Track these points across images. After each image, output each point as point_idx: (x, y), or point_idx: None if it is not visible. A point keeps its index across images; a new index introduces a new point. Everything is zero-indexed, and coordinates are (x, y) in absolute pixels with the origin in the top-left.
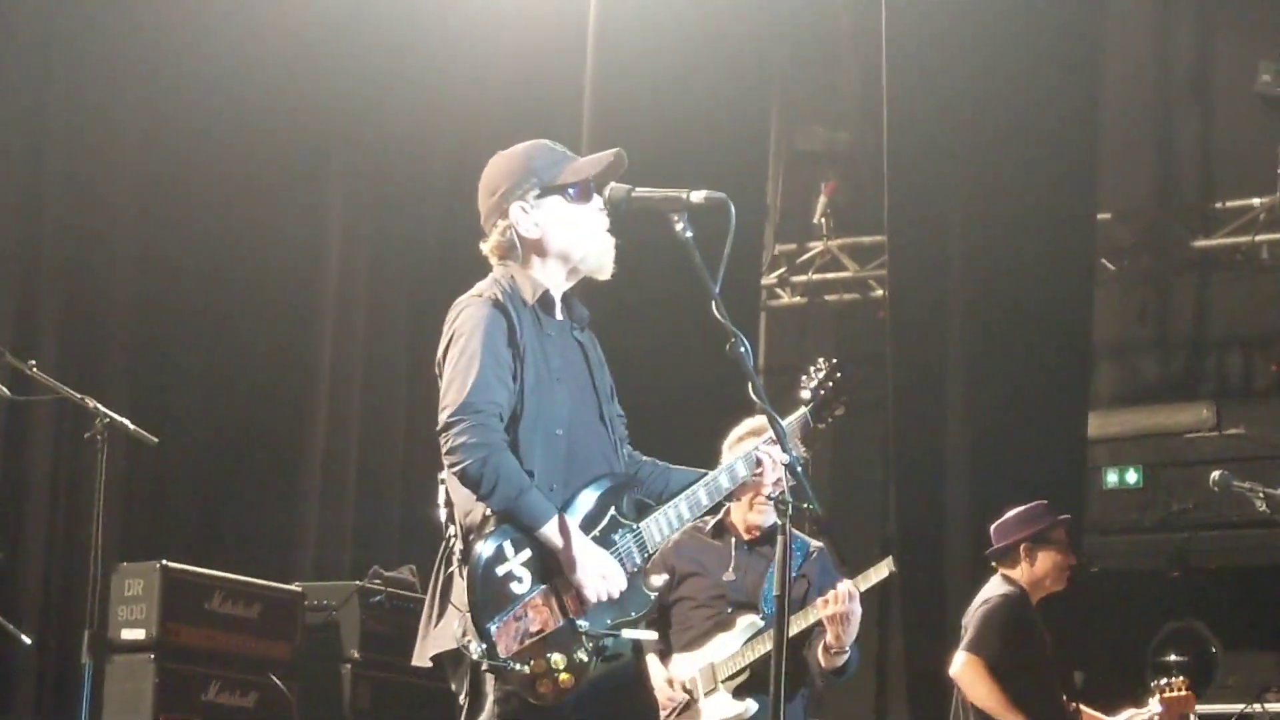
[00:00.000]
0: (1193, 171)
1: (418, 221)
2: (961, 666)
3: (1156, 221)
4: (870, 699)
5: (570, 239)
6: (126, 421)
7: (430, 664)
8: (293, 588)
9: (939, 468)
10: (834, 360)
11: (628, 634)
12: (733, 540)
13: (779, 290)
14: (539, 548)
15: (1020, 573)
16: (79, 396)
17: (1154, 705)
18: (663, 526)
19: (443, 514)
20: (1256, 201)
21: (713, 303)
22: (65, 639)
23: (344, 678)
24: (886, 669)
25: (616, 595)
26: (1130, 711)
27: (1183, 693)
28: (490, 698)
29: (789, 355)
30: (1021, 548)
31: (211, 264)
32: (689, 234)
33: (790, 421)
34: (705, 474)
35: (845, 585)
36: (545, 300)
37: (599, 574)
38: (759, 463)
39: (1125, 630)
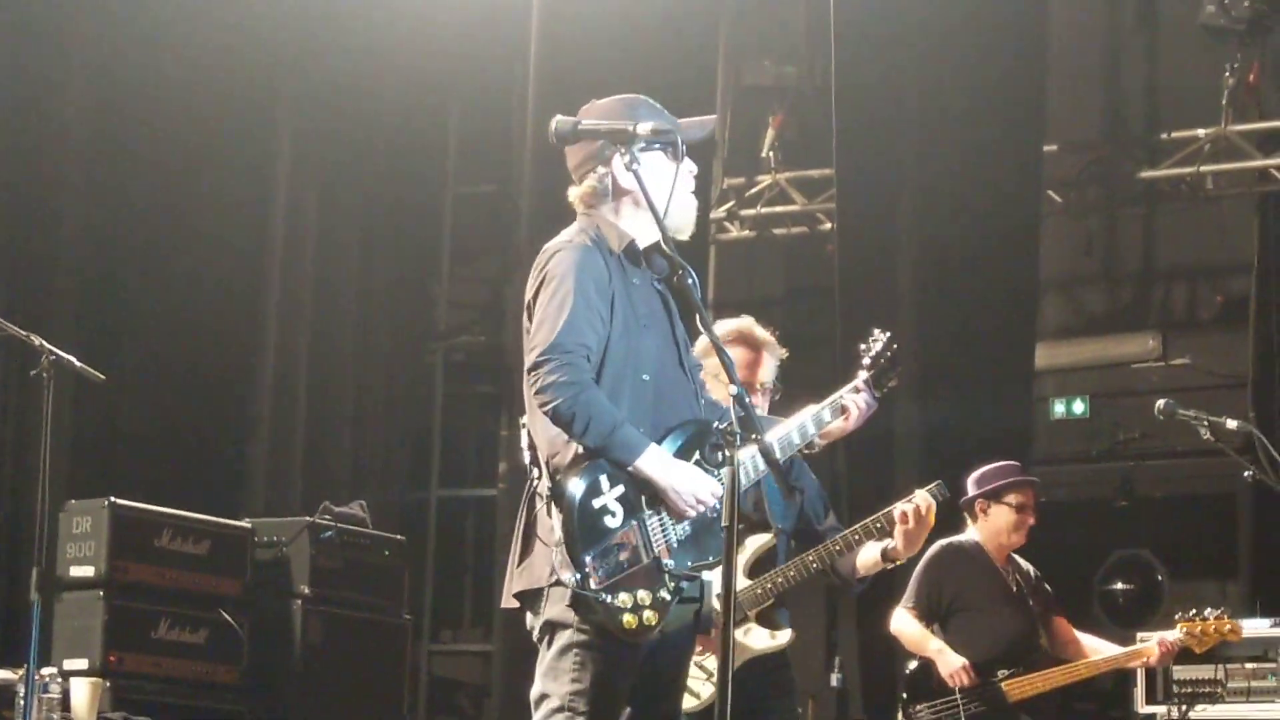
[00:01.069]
0: (1138, 103)
1: (367, 158)
2: (893, 619)
3: (1103, 154)
4: (822, 650)
5: (661, 195)
6: (73, 359)
7: (516, 604)
8: (242, 524)
9: (887, 401)
10: (889, 333)
11: (707, 576)
12: None
13: (727, 224)
14: (632, 482)
15: (976, 526)
16: (24, 334)
17: (1180, 633)
18: (744, 475)
19: (526, 457)
20: (1201, 132)
21: (660, 236)
22: (14, 576)
23: (294, 613)
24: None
25: (712, 505)
26: (1156, 635)
27: (1210, 622)
28: (570, 629)
29: (738, 289)
30: (977, 503)
31: (160, 202)
32: (636, 166)
33: (851, 388)
34: (776, 420)
35: (924, 498)
36: (631, 250)
37: (693, 492)
38: (844, 410)
39: (1072, 559)
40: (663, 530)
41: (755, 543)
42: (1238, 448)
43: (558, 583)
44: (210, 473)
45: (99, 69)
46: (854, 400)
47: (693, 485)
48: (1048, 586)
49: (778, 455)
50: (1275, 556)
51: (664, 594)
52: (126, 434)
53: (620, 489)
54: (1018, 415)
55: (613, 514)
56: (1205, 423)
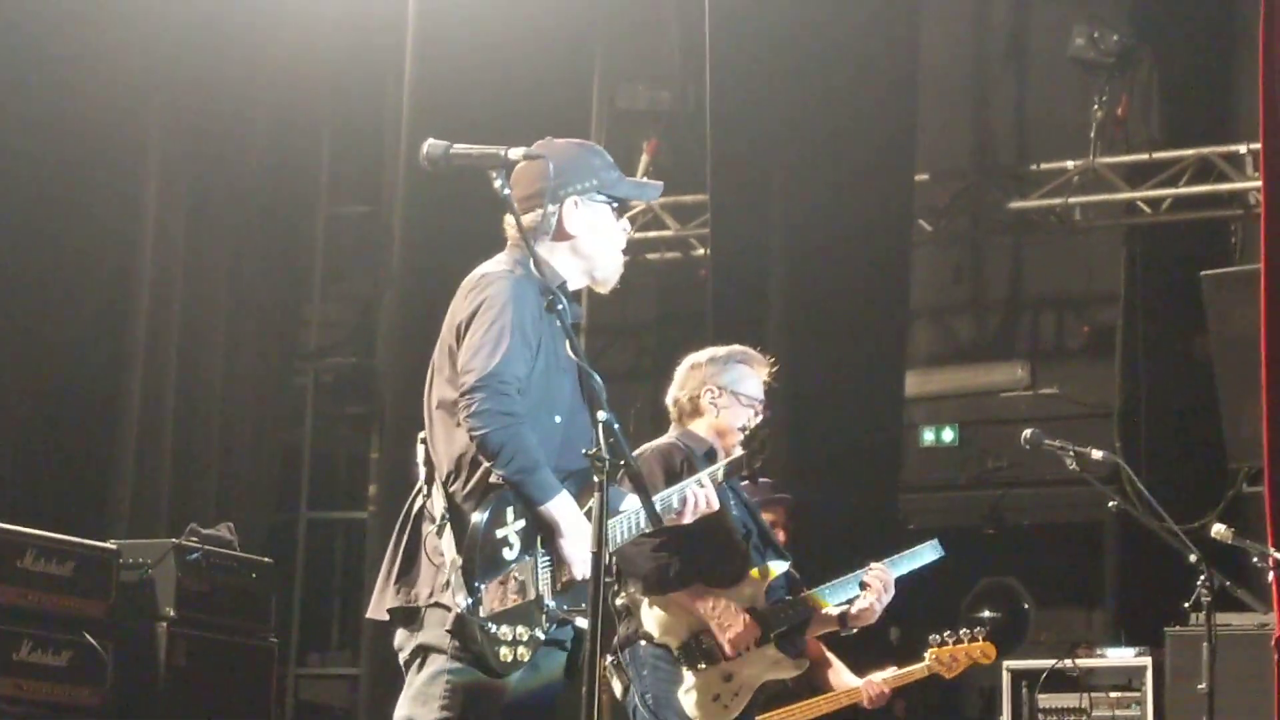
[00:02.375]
0: (1008, 134)
1: (238, 174)
2: None
3: (973, 183)
4: None
5: (600, 247)
6: None
7: (386, 617)
8: (107, 545)
9: (757, 427)
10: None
11: (580, 622)
12: None
13: None
14: (532, 520)
15: None
16: None
17: (927, 659)
18: (625, 531)
19: (421, 473)
20: (1070, 164)
21: (530, 260)
22: None
23: (159, 636)
24: None
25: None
26: (894, 670)
27: (962, 646)
28: (444, 655)
29: (611, 314)
30: None
31: (24, 218)
32: (507, 191)
33: (696, 480)
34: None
35: (882, 573)
36: (560, 292)
37: (591, 550)
38: (685, 500)
39: (940, 586)
40: (550, 571)
41: (778, 568)
42: (1103, 477)
43: (437, 604)
44: (75, 493)
45: None
46: (696, 493)
47: (590, 542)
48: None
49: (645, 528)
50: (1140, 586)
51: (538, 632)
52: None
53: (522, 523)
54: (887, 442)
55: (511, 546)
56: (1071, 453)
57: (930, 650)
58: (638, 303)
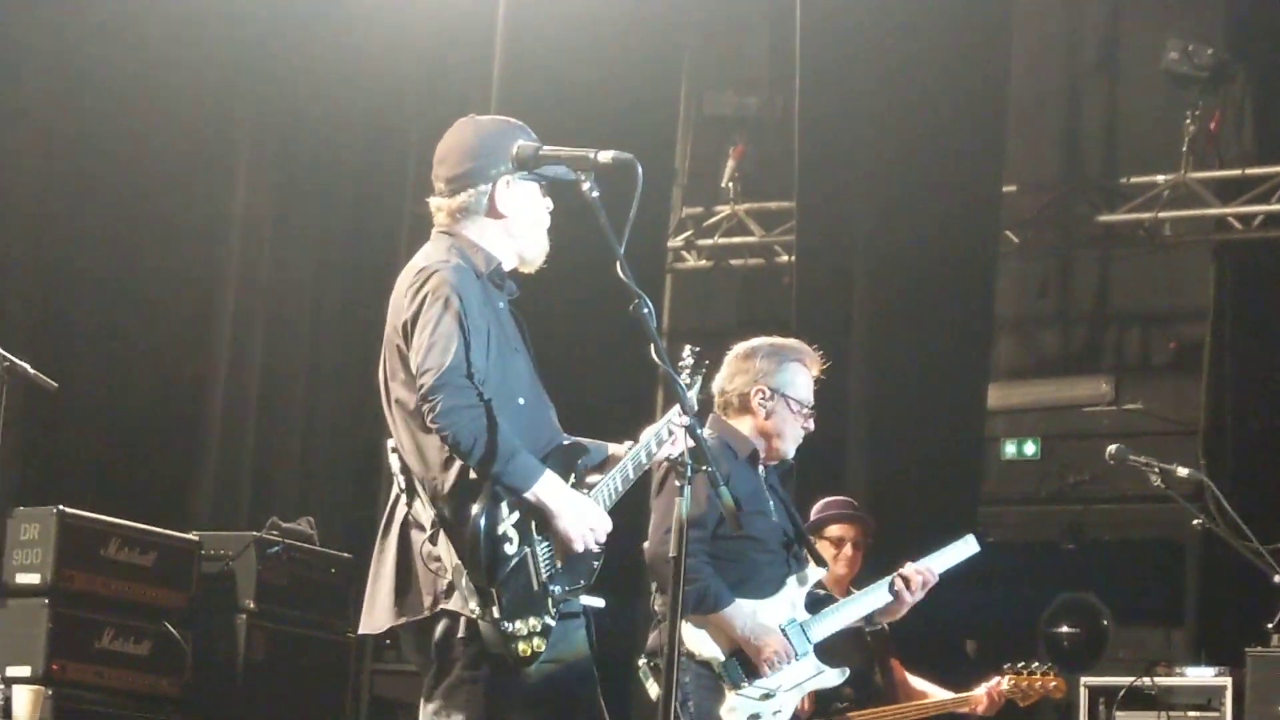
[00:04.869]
0: (1098, 147)
1: (324, 178)
2: None
3: (1061, 196)
4: None
5: (529, 227)
6: (26, 366)
7: (379, 630)
8: (189, 536)
9: (840, 436)
10: (699, 349)
11: (583, 600)
12: (760, 472)
13: (685, 253)
14: (523, 509)
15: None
16: None
17: (1004, 683)
18: (609, 494)
19: (400, 482)
20: (1160, 179)
21: (617, 263)
22: None
23: (239, 628)
24: None
25: (602, 537)
26: (986, 684)
27: (1036, 678)
28: (459, 662)
29: (693, 319)
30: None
31: (114, 224)
32: (595, 194)
33: (690, 398)
34: (604, 445)
35: (924, 571)
36: (497, 273)
37: (588, 524)
38: (670, 435)
39: (1018, 600)
40: (550, 556)
41: (815, 575)
42: (1187, 495)
43: (445, 612)
44: (158, 484)
45: (51, 93)
46: (677, 428)
47: (587, 515)
48: (886, 626)
49: (621, 488)
50: (1221, 605)
51: (548, 619)
52: (76, 443)
53: (516, 515)
54: (969, 454)
55: (511, 541)
56: (1156, 469)
57: (1006, 676)
58: (720, 308)
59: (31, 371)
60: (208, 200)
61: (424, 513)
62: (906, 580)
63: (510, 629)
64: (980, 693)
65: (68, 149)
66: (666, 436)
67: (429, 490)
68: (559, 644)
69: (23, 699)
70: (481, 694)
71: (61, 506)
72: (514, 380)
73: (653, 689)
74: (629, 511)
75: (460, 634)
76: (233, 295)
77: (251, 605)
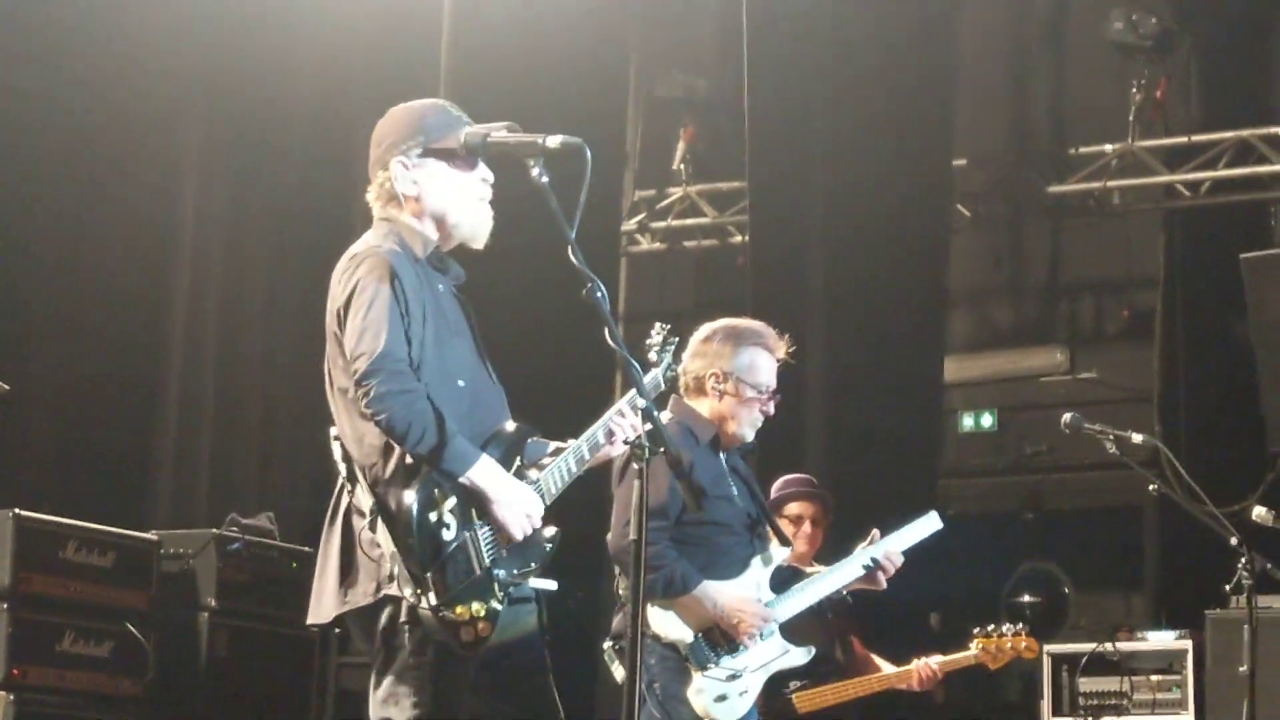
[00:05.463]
0: (1046, 118)
1: (278, 161)
2: None
3: (1011, 168)
4: None
5: (446, 203)
6: None
7: (326, 620)
8: (148, 536)
9: (797, 413)
10: (669, 326)
11: (533, 583)
12: (723, 457)
13: (638, 236)
14: (462, 494)
15: None
16: None
17: (974, 648)
18: (557, 480)
19: (342, 469)
20: (1109, 148)
21: (569, 248)
22: None
23: (201, 626)
24: None
25: (538, 524)
26: (921, 661)
27: (1006, 639)
28: (406, 649)
29: (649, 302)
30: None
31: (63, 208)
32: (545, 179)
33: (616, 410)
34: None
35: (891, 554)
36: (435, 256)
37: (524, 510)
38: (610, 433)
39: (980, 572)
40: (493, 540)
41: (780, 555)
42: (1143, 461)
43: (387, 598)
44: (115, 484)
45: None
46: (619, 424)
47: (523, 502)
48: (849, 599)
49: (576, 470)
50: (1180, 570)
51: (494, 604)
52: (30, 444)
53: (453, 500)
54: (926, 428)
55: (448, 526)
56: (1111, 436)
57: (976, 640)
58: (675, 290)
59: None
60: (159, 191)
61: (364, 499)
62: (888, 557)
63: (450, 615)
64: (913, 668)
65: (15, 139)
66: (620, 419)
67: (369, 477)
68: (508, 628)
69: None
70: (429, 679)
71: (18, 509)
72: (453, 364)
73: (618, 672)
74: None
75: (403, 619)
76: (185, 287)
77: (213, 603)
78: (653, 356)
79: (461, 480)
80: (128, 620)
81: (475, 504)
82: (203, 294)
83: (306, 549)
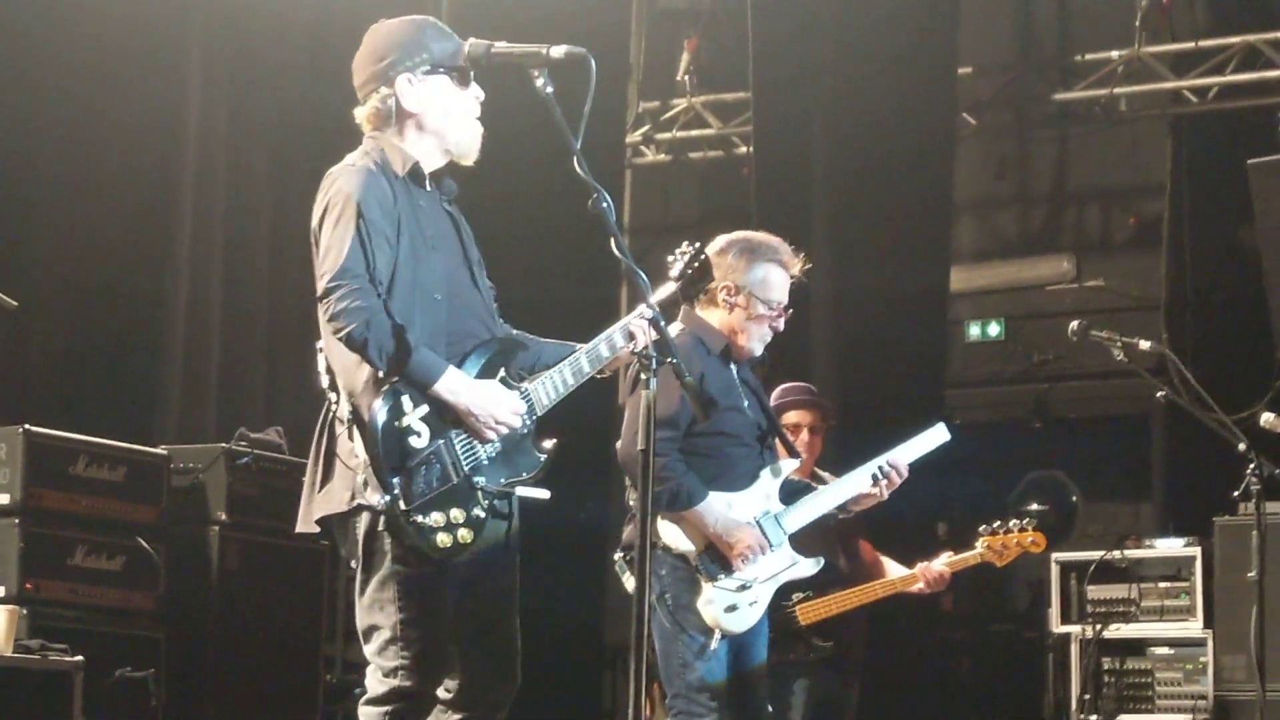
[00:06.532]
0: (1051, 26)
1: (278, 74)
2: None
3: (1016, 76)
4: None
5: (448, 121)
6: None
7: (316, 529)
8: (158, 450)
9: (803, 325)
10: (697, 244)
11: (521, 492)
12: (734, 368)
13: (643, 148)
14: (435, 403)
15: None
16: None
17: (979, 547)
18: (549, 390)
19: (324, 381)
20: (1115, 54)
21: (574, 159)
22: None
23: (211, 540)
24: None
25: (517, 425)
26: (949, 556)
27: (1013, 535)
28: (388, 555)
29: (654, 213)
30: None
31: (68, 124)
32: (549, 89)
33: (661, 293)
34: (574, 345)
35: (897, 465)
36: (415, 172)
37: (493, 414)
38: (632, 335)
39: (987, 480)
40: (472, 448)
41: (789, 467)
42: (1151, 369)
43: (360, 507)
44: (124, 399)
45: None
46: (640, 326)
47: (492, 405)
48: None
49: (573, 382)
50: (1188, 477)
51: (478, 511)
52: (39, 360)
53: (424, 409)
54: (933, 337)
55: (418, 434)
56: (1119, 344)
57: (981, 539)
58: (681, 202)
59: None
60: (162, 105)
61: (343, 409)
62: (894, 467)
63: (423, 520)
64: (917, 572)
65: (19, 56)
66: (625, 337)
67: (346, 387)
68: (487, 540)
69: None
70: (411, 586)
71: (28, 425)
72: (429, 277)
73: (629, 582)
74: (601, 407)
75: (381, 526)
76: (190, 200)
77: (223, 517)
78: (673, 272)
79: (430, 392)
80: (138, 535)
81: (445, 413)
82: (208, 207)
83: None
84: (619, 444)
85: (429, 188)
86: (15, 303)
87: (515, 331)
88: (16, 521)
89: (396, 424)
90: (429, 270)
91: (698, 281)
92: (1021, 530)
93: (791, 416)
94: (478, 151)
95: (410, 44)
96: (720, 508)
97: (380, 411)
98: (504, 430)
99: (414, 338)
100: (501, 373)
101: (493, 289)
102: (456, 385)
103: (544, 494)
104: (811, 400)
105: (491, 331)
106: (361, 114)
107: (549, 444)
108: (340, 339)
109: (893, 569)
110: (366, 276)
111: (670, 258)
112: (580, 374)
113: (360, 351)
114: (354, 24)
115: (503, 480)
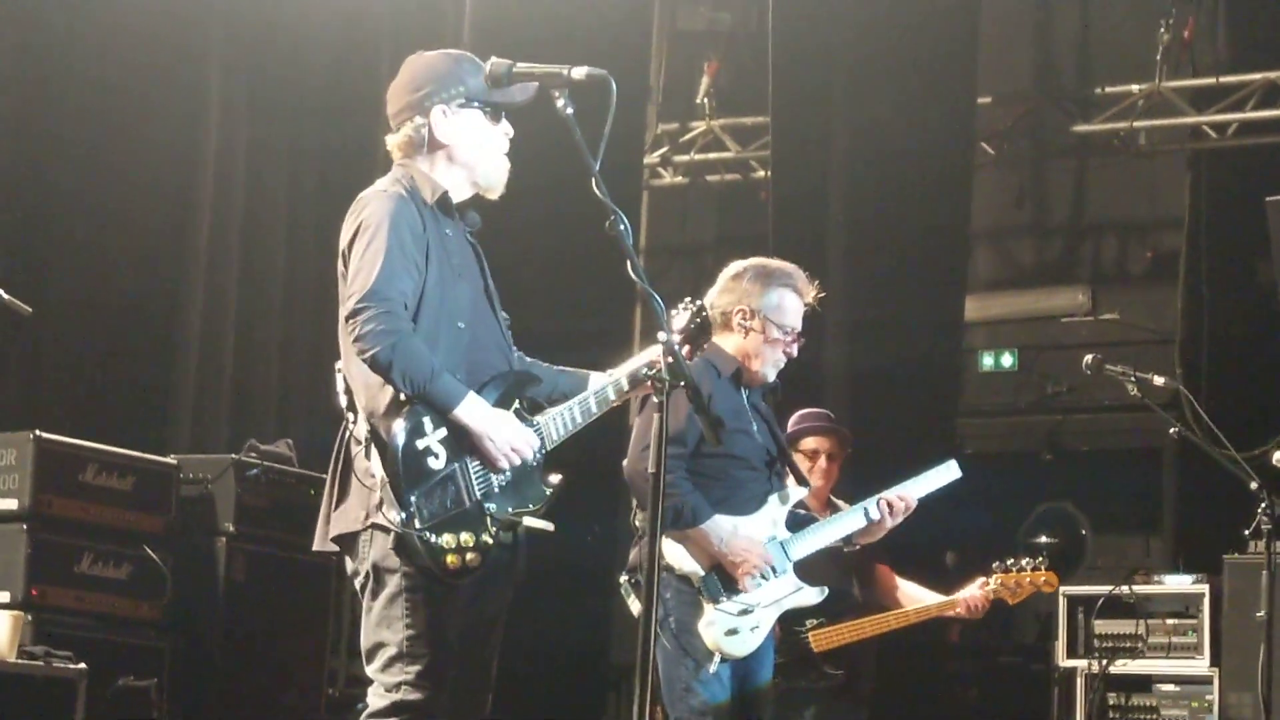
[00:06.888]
0: (1072, 56)
1: (298, 93)
2: None
3: (1036, 106)
4: None
5: (478, 155)
6: (0, 291)
7: (333, 547)
8: (167, 460)
9: (817, 351)
10: (699, 302)
11: (529, 523)
12: (744, 393)
13: (661, 170)
14: (454, 428)
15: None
16: None
17: (993, 583)
18: (559, 427)
19: (343, 401)
20: (1135, 88)
21: (592, 180)
22: None
23: (218, 551)
24: None
25: (529, 458)
26: (965, 591)
27: (1025, 574)
28: (397, 573)
29: (670, 235)
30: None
31: (88, 138)
32: (569, 110)
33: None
34: (587, 374)
35: (905, 498)
36: (444, 201)
37: (509, 444)
38: (638, 381)
39: (997, 512)
40: (485, 475)
41: (797, 494)
42: (1164, 404)
43: (375, 525)
44: (135, 408)
45: (23, 9)
46: (650, 376)
47: (510, 436)
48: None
49: (582, 421)
50: (1198, 513)
51: (485, 537)
52: (52, 368)
53: (443, 432)
54: (946, 366)
55: (436, 456)
56: (1132, 378)
57: (995, 575)
58: (697, 224)
59: (5, 297)
60: (182, 122)
61: (361, 429)
62: (890, 505)
63: (435, 541)
64: (959, 597)
65: (40, 71)
66: (641, 377)
67: (366, 408)
68: (491, 563)
69: (2, 624)
70: (419, 605)
71: (38, 431)
72: (454, 305)
73: (634, 605)
74: (610, 432)
75: (392, 545)
76: (208, 214)
77: (231, 528)
78: (677, 325)
79: (450, 416)
80: (146, 544)
81: (467, 439)
82: (224, 219)
83: (324, 476)
84: (626, 461)
85: (455, 218)
86: (28, 309)
87: (528, 359)
88: (24, 527)
89: (416, 444)
90: (455, 298)
91: (699, 337)
92: (1035, 570)
93: (809, 442)
94: (504, 186)
95: (447, 76)
96: (726, 528)
97: (401, 431)
98: (517, 460)
99: (437, 363)
100: (516, 405)
101: (507, 320)
102: (476, 412)
103: (548, 526)
104: (830, 427)
105: (508, 362)
106: (393, 141)
107: (555, 478)
108: (365, 360)
109: (914, 594)
110: (397, 300)
111: (673, 311)
112: (588, 414)
113: (384, 373)
114: (373, 47)
115: (510, 509)
